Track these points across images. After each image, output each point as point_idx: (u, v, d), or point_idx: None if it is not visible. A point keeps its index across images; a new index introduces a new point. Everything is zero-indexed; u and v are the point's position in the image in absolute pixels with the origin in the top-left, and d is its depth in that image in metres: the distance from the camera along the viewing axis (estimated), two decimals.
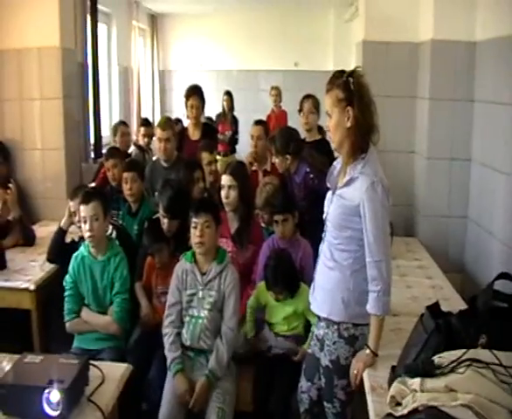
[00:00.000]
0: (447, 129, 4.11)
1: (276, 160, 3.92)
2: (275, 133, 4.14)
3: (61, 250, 3.49)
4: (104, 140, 6.32)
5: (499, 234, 3.45)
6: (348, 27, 8.59)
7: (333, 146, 2.43)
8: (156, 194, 3.81)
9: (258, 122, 4.57)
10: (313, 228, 2.95)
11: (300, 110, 4.56)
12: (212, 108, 8.17)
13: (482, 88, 3.89)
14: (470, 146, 4.04)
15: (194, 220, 2.89)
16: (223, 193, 3.52)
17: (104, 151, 5.82)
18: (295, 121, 5.13)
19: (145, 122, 6.23)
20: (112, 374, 2.25)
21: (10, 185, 4.04)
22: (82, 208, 3.08)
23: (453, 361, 1.78)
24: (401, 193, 4.43)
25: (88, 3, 6.12)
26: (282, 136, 3.91)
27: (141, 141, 5.98)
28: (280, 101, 8.28)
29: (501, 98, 3.48)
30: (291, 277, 3.09)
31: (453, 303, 2.86)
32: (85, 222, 3.06)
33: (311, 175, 3.73)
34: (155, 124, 4.80)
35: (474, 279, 3.84)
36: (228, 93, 8.25)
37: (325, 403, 2.50)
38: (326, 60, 9.92)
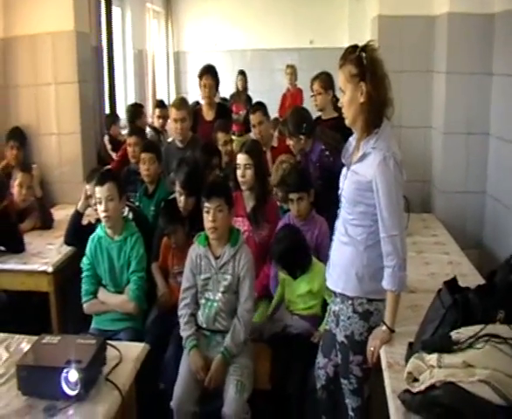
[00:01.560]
0: (465, 103, 4.04)
1: (290, 142, 3.91)
2: (287, 117, 4.13)
3: (78, 233, 3.52)
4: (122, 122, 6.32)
5: None
6: (363, 2, 8.43)
7: (346, 122, 2.39)
8: (172, 174, 3.81)
9: (254, 110, 4.54)
10: (329, 206, 2.93)
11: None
12: (227, 88, 8.15)
13: (501, 61, 3.80)
14: (488, 120, 3.97)
15: (206, 205, 2.87)
16: (239, 172, 3.51)
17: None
18: (311, 99, 5.09)
19: (160, 104, 6.22)
20: (129, 353, 2.27)
21: (34, 166, 4.16)
22: (97, 189, 3.10)
23: (470, 337, 1.76)
24: (418, 169, 4.39)
25: None
26: (294, 118, 3.90)
27: (157, 123, 5.98)
28: (296, 80, 8.19)
29: None
30: (291, 254, 3.06)
31: (471, 279, 2.82)
32: (100, 202, 3.08)
33: (326, 152, 3.71)
34: (170, 105, 4.80)
35: (492, 255, 3.79)
36: (242, 73, 8.22)
37: (341, 380, 2.50)
38: (341, 37, 9.77)
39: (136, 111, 5.75)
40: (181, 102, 4.52)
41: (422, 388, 1.71)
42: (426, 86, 4.38)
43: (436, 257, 3.37)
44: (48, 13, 4.57)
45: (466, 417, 1.64)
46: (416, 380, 1.78)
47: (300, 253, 3.11)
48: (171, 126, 4.56)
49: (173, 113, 4.38)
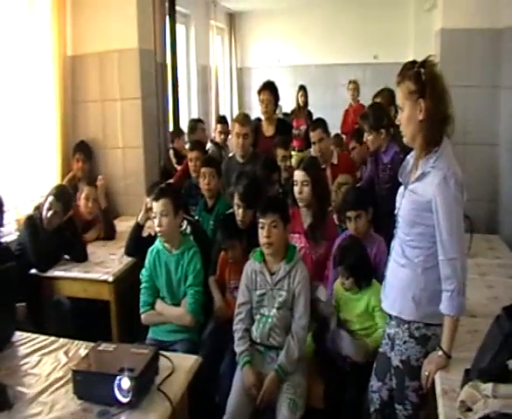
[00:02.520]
0: None
1: (369, 137, 3.88)
2: (367, 111, 4.09)
3: (138, 245, 3.62)
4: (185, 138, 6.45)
5: None
6: (428, 16, 8.30)
7: (405, 140, 2.34)
8: (232, 187, 3.85)
9: (314, 127, 4.52)
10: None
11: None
12: (290, 104, 8.19)
13: None
14: None
15: (261, 220, 2.89)
16: (296, 189, 3.50)
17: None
18: None
19: (221, 119, 6.32)
20: (182, 365, 2.31)
21: (100, 177, 4.34)
22: (153, 204, 3.19)
23: None
24: (483, 188, 4.25)
25: (167, 4, 6.28)
26: (375, 112, 3.89)
27: (218, 138, 6.07)
28: (358, 95, 8.12)
29: None
30: (360, 263, 3.03)
31: None
32: (155, 217, 3.16)
33: (401, 156, 3.64)
34: (233, 120, 4.88)
35: None
36: (302, 88, 8.23)
37: (396, 405, 2.43)
38: (406, 51, 9.61)
39: (192, 126, 5.85)
40: (244, 118, 4.58)
41: (476, 418, 1.64)
42: (493, 102, 4.24)
43: (500, 281, 3.23)
44: (114, 31, 4.77)
45: None
46: (469, 409, 1.71)
47: (368, 264, 3.08)
48: (233, 140, 4.63)
49: (236, 128, 4.44)
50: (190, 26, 8.28)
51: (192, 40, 8.31)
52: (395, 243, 2.40)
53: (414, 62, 2.23)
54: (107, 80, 4.86)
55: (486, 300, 2.91)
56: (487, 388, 1.68)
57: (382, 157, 3.81)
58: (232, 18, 10.62)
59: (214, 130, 6.91)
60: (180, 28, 7.48)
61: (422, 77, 2.17)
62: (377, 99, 4.40)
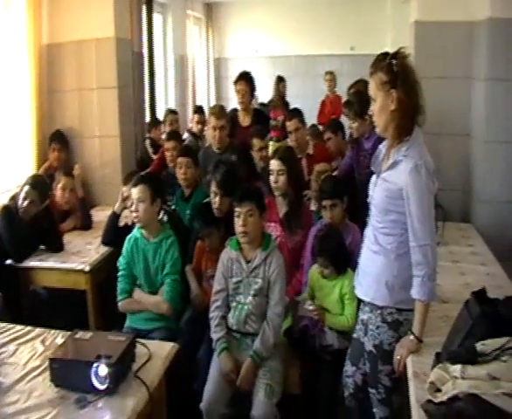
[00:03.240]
0: (506, 111, 3.96)
1: (354, 124, 3.96)
2: (351, 99, 4.12)
3: (115, 234, 3.62)
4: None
5: None
6: (405, 8, 8.34)
7: (377, 130, 2.39)
8: (208, 175, 3.86)
9: (291, 117, 4.55)
10: None
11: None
12: (269, 95, 8.20)
13: None
14: None
15: (237, 209, 2.92)
16: (272, 178, 3.54)
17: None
18: None
19: (198, 110, 6.33)
20: (158, 352, 2.34)
21: (77, 166, 4.36)
22: (132, 190, 3.22)
23: (496, 349, 1.74)
24: (456, 178, 4.33)
25: None
26: (360, 99, 3.94)
27: (195, 128, 6.07)
28: (335, 86, 8.18)
29: None
30: (339, 250, 3.08)
31: (507, 291, 2.70)
32: (132, 203, 3.20)
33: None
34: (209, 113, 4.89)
35: None
36: (280, 79, 8.24)
37: (370, 389, 2.49)
38: (383, 43, 9.66)
39: (164, 116, 5.84)
40: (220, 110, 4.57)
41: (444, 398, 1.70)
42: (466, 93, 4.31)
43: (472, 268, 3.31)
44: (91, 20, 4.73)
45: None
46: (438, 390, 1.76)
47: (345, 251, 3.12)
48: (209, 133, 4.63)
49: (212, 121, 4.43)
50: (168, 16, 8.21)
51: (169, 30, 8.25)
52: (368, 231, 2.45)
53: (386, 54, 2.28)
54: (83, 69, 4.83)
55: (458, 287, 2.97)
56: (456, 369, 1.73)
57: (363, 143, 3.86)
58: (210, 8, 10.57)
59: (191, 120, 6.91)
60: (157, 17, 7.43)
61: (394, 68, 2.22)
62: (352, 90, 4.44)
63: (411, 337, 2.26)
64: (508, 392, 1.61)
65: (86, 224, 4.21)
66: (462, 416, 1.65)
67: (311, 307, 3.03)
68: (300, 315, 3.16)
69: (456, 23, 4.22)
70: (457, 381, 1.70)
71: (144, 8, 6.28)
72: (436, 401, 1.74)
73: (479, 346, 1.78)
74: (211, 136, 4.51)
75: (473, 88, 4.27)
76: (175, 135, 4.70)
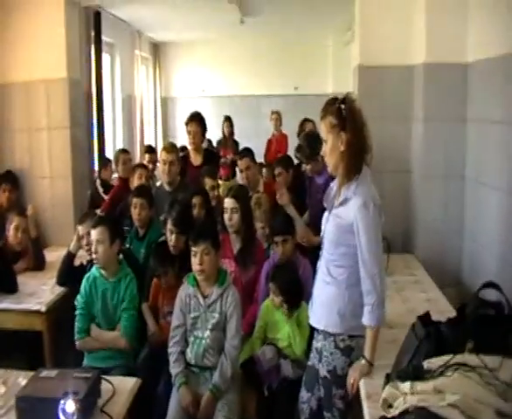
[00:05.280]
0: (441, 148, 4.23)
1: (308, 167, 4.11)
2: (301, 142, 4.25)
3: (70, 274, 3.64)
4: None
5: (493, 248, 3.57)
6: (347, 50, 8.76)
7: (329, 169, 2.57)
8: (164, 214, 3.92)
9: (242, 156, 4.71)
10: None
11: (299, 133, 4.74)
12: (215, 133, 8.37)
13: (474, 108, 4.02)
14: (464, 164, 4.17)
15: (193, 249, 3.02)
16: (226, 216, 3.66)
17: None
18: (296, 144, 5.28)
19: (149, 149, 6.40)
20: (122, 387, 2.38)
21: (30, 206, 4.34)
22: (91, 231, 3.27)
23: (441, 366, 1.90)
24: (399, 211, 4.55)
25: (92, 34, 6.35)
26: (309, 142, 4.09)
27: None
28: (281, 125, 8.45)
29: (493, 116, 3.62)
30: (293, 285, 3.21)
31: (447, 315, 2.86)
32: (88, 245, 3.27)
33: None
34: (159, 150, 4.97)
35: (471, 293, 3.89)
36: (228, 119, 8.45)
37: (325, 413, 2.61)
38: (326, 83, 10.12)
39: (116, 157, 5.67)
40: (171, 146, 4.71)
41: (396, 413, 1.84)
42: (406, 133, 4.56)
43: (415, 295, 3.52)
44: (42, 60, 4.75)
45: None
46: (390, 406, 1.91)
47: (299, 288, 3.24)
48: (160, 168, 4.72)
49: (163, 155, 4.54)
50: (116, 55, 8.33)
51: (117, 69, 8.36)
52: (321, 264, 2.60)
53: (336, 98, 2.47)
54: (33, 109, 4.83)
55: (403, 313, 3.16)
56: (406, 386, 1.89)
57: (316, 179, 4.02)
58: (157, 48, 10.75)
59: (140, 160, 6.97)
60: (105, 57, 7.52)
61: (343, 112, 2.40)
62: (304, 129, 4.64)
63: (363, 361, 2.41)
64: (452, 403, 1.76)
65: (39, 265, 4.17)
66: None
67: (269, 356, 3.14)
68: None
69: (396, 67, 4.49)
70: (407, 396, 1.85)
71: (93, 48, 6.37)
72: (389, 416, 1.89)
73: (425, 364, 1.95)
74: (161, 170, 4.60)
75: (412, 127, 4.54)
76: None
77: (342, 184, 2.50)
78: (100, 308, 3.26)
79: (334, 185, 2.62)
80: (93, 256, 3.24)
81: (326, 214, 2.61)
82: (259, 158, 7.40)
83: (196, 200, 4.10)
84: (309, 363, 2.77)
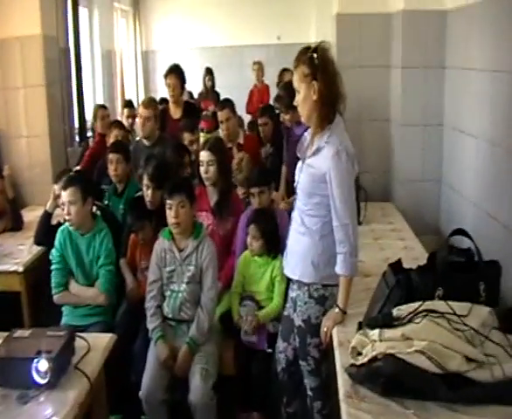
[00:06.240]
0: (420, 96, 4.21)
1: (286, 116, 4.07)
2: (280, 93, 4.19)
3: (48, 233, 3.58)
4: (88, 124, 6.37)
5: (470, 196, 3.57)
6: None
7: (302, 119, 2.55)
8: (140, 169, 3.88)
9: (222, 107, 4.64)
10: None
11: (279, 83, 4.66)
12: (197, 85, 8.25)
13: (453, 55, 3.97)
14: (442, 111, 4.15)
15: (168, 202, 3.01)
16: (202, 168, 3.62)
17: (89, 134, 5.95)
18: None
19: (128, 104, 6.29)
20: (97, 344, 2.39)
21: (6, 167, 4.30)
22: (62, 193, 3.21)
23: (410, 313, 1.93)
24: (377, 160, 4.57)
25: None
26: (289, 91, 3.98)
27: (125, 122, 6.04)
28: (263, 76, 8.32)
29: (472, 64, 3.57)
30: (272, 228, 3.22)
31: (423, 262, 2.98)
32: (63, 205, 3.19)
33: None
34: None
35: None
36: (209, 71, 8.31)
37: (300, 361, 2.66)
38: (308, 33, 9.91)
39: (95, 113, 5.59)
40: (149, 101, 4.64)
41: (365, 360, 1.87)
42: (385, 81, 4.54)
43: (391, 244, 3.54)
44: (15, 17, 4.60)
45: (406, 385, 1.80)
46: (360, 354, 1.93)
47: (277, 234, 3.25)
48: (139, 122, 4.67)
49: (140, 110, 4.54)
50: (94, 9, 8.06)
51: (96, 24, 8.11)
52: (295, 214, 2.61)
53: (308, 47, 2.43)
54: (8, 68, 4.69)
55: (378, 261, 3.14)
56: (375, 333, 1.91)
57: (294, 130, 3.98)
58: (137, 0, 10.46)
59: (121, 114, 6.86)
60: (83, 11, 7.29)
61: (315, 61, 2.37)
62: (283, 79, 4.57)
63: (337, 310, 2.43)
64: (419, 349, 1.79)
65: (16, 225, 4.13)
66: (380, 374, 1.82)
67: (247, 326, 3.15)
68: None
69: (374, 15, 4.44)
70: (375, 343, 1.88)
71: (70, 2, 6.17)
72: (358, 363, 1.91)
73: (395, 311, 1.97)
74: (140, 125, 4.56)
75: (390, 76, 4.50)
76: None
77: (315, 134, 2.49)
78: (75, 262, 3.23)
79: (307, 135, 2.60)
80: (66, 217, 3.19)
81: (299, 164, 2.59)
82: (242, 110, 7.34)
83: (186, 159, 4.11)
84: (285, 313, 2.80)
